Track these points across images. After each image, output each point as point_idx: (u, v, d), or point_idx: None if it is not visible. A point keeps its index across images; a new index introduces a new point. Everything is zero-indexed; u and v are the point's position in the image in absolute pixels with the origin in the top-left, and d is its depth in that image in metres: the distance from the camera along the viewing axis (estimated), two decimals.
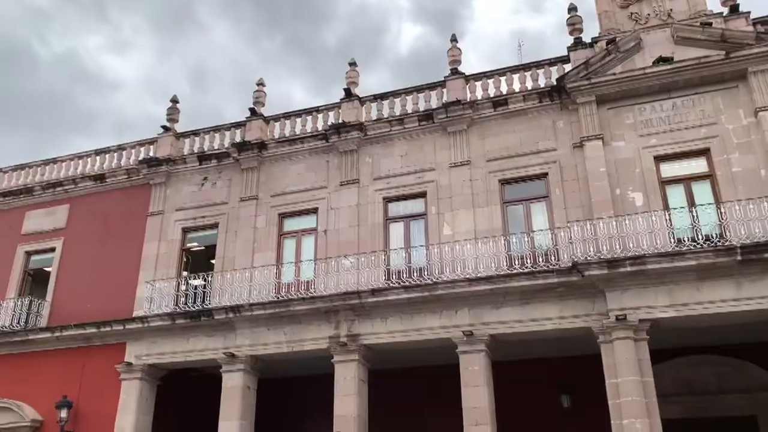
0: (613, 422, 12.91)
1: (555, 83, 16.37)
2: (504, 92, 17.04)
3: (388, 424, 17.07)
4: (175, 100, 21.04)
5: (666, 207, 14.27)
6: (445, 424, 15.89)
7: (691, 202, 14.24)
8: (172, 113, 20.79)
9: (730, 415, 16.44)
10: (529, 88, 16.79)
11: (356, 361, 15.25)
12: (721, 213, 13.47)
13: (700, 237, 13.38)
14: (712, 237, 13.28)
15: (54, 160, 21.60)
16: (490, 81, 17.33)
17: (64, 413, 16.78)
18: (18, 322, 18.60)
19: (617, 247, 13.64)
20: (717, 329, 14.19)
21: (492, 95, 17.07)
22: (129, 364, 17.08)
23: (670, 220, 13.84)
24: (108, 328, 17.44)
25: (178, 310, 17.03)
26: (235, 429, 15.57)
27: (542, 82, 16.85)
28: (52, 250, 20.03)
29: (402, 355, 16.25)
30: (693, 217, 13.66)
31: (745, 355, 16.24)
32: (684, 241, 13.50)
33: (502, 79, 17.26)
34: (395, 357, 16.36)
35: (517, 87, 17.01)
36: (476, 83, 17.49)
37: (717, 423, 16.67)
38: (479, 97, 17.13)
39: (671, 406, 15.58)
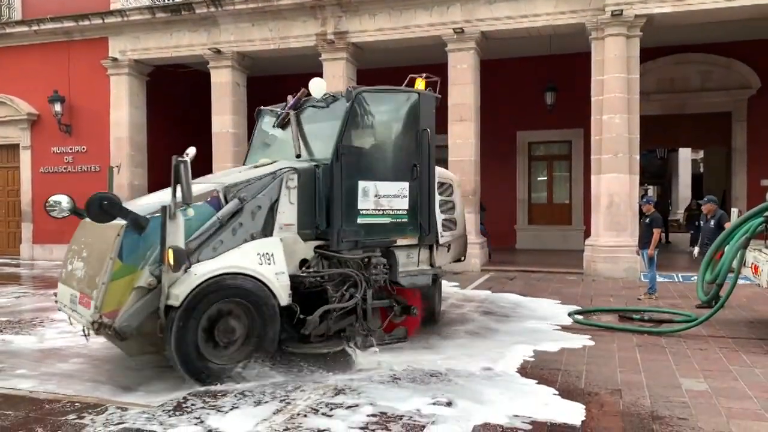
0: (593, 117, 13.38)
1: None
2: None
3: None
4: None
5: None
6: None
7: None
8: None
9: (706, 112, 17.19)
10: None
11: (344, 60, 15.13)
12: None
13: None
14: None
15: None
16: None
17: (58, 107, 17.08)
18: None
19: None
20: (709, 26, 13.94)
21: None
22: (114, 59, 16.86)
23: None
24: (87, 22, 16.84)
25: (158, 2, 16.32)
26: (228, 123, 16.11)
27: None
28: None
29: (390, 54, 16.08)
30: None
31: (732, 53, 16.30)
32: None
33: None
34: (383, 56, 16.22)
35: None
36: None
37: (693, 118, 17.52)
38: None
39: (651, 103, 16.18)
